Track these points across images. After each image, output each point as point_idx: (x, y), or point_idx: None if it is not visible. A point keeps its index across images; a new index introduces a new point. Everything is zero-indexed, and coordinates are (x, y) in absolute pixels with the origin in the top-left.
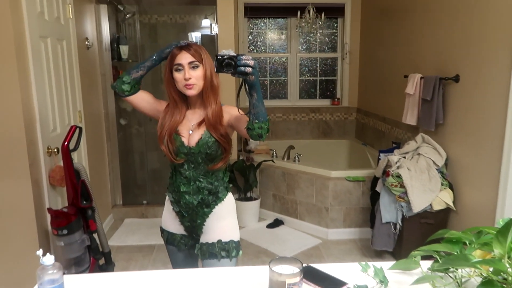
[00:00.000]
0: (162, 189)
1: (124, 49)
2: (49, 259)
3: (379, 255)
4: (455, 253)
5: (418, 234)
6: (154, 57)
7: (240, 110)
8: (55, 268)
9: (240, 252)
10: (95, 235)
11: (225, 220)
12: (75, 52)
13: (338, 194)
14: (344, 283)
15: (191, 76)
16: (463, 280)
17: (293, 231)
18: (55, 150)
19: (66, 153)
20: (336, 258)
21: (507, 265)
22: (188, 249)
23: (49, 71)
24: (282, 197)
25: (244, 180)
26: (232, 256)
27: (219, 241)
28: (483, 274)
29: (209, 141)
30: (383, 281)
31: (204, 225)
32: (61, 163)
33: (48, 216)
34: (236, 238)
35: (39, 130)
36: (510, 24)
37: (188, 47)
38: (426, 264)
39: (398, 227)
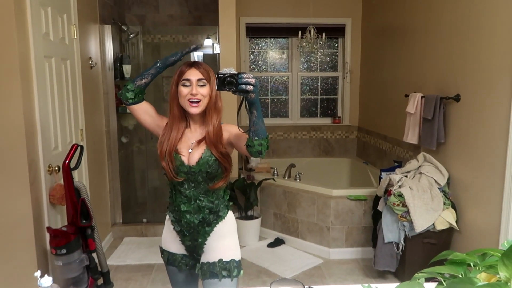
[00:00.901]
0: (162, 207)
1: (127, 68)
2: (46, 281)
3: (382, 275)
4: (460, 275)
5: (421, 254)
6: (158, 64)
7: (240, 128)
8: None
9: (242, 271)
10: (94, 255)
11: (226, 239)
12: (79, 71)
13: (339, 213)
14: None
15: (198, 92)
16: None
17: (294, 251)
18: (56, 168)
19: (67, 171)
20: (338, 278)
21: None
22: (189, 269)
23: (53, 90)
24: (283, 215)
25: (244, 198)
26: (234, 276)
27: (220, 261)
28: None
29: (209, 160)
30: None
31: (205, 244)
32: (62, 182)
33: (47, 235)
34: (237, 257)
35: (40, 148)
36: (510, 44)
37: (198, 64)
38: (430, 286)
39: (400, 247)
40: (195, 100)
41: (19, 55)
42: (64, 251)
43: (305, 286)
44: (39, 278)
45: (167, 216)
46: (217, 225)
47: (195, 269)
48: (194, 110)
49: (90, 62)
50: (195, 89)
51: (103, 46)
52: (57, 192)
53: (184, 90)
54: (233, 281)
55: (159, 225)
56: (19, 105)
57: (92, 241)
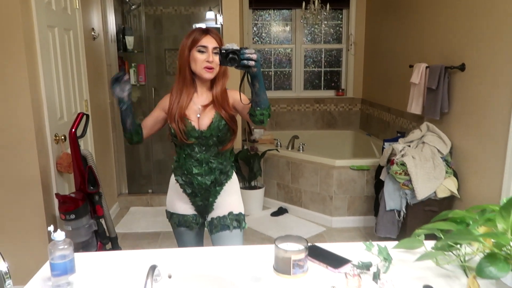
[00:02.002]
0: (167, 179)
1: (129, 40)
2: (60, 235)
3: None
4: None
5: (422, 221)
6: (122, 107)
7: (242, 97)
8: (65, 243)
9: (246, 225)
10: (102, 221)
11: (233, 195)
12: (82, 42)
13: (342, 182)
14: (348, 261)
15: (214, 59)
16: (467, 258)
17: (297, 219)
18: (62, 137)
19: (74, 139)
20: None
21: (510, 238)
22: (198, 227)
23: (57, 60)
24: (286, 186)
25: (248, 169)
26: (242, 227)
27: (231, 213)
28: (486, 250)
29: (220, 124)
30: (387, 258)
31: (215, 202)
32: (69, 151)
33: (56, 202)
34: (243, 211)
35: (46, 118)
36: None
37: (213, 32)
38: (430, 244)
39: (402, 214)
40: (211, 67)
41: (22, 24)
42: (73, 216)
43: (308, 243)
44: (52, 233)
45: (173, 181)
46: (226, 184)
47: (203, 227)
48: (209, 75)
49: (92, 33)
50: (212, 57)
51: (105, 17)
52: (64, 160)
53: (200, 57)
54: (242, 232)
55: (164, 195)
56: (25, 74)
57: (100, 207)
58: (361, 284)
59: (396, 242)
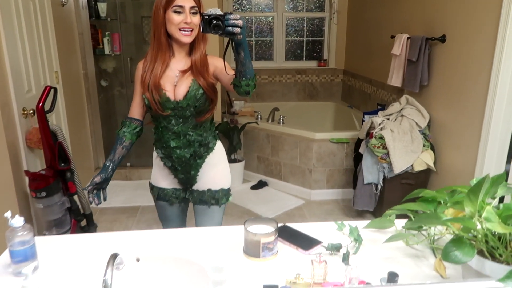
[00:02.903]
0: (146, 151)
1: (102, 7)
2: (18, 221)
3: (360, 214)
4: (428, 212)
5: (398, 194)
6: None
7: (227, 67)
8: (25, 229)
9: (230, 197)
10: (76, 198)
11: (217, 166)
12: (49, 8)
13: (321, 156)
14: (319, 242)
15: (192, 20)
16: (436, 238)
17: (277, 192)
18: (31, 111)
19: (41, 114)
20: (318, 218)
21: (477, 223)
22: (179, 202)
23: (21, 29)
24: (266, 159)
25: (228, 142)
26: (221, 203)
27: (209, 190)
28: (454, 232)
29: (197, 94)
30: (357, 239)
31: (198, 175)
32: (38, 125)
33: (26, 179)
34: (226, 185)
35: (12, 90)
36: None
37: None
38: (401, 223)
39: (379, 187)
40: (189, 29)
41: None
42: (44, 194)
43: (279, 224)
44: (10, 219)
45: (155, 154)
46: (207, 156)
47: (185, 202)
48: (187, 39)
49: None
50: (190, 17)
51: None
52: (34, 135)
53: (176, 18)
54: (221, 207)
55: (144, 169)
56: None
57: (73, 184)
58: (327, 271)
59: (368, 221)
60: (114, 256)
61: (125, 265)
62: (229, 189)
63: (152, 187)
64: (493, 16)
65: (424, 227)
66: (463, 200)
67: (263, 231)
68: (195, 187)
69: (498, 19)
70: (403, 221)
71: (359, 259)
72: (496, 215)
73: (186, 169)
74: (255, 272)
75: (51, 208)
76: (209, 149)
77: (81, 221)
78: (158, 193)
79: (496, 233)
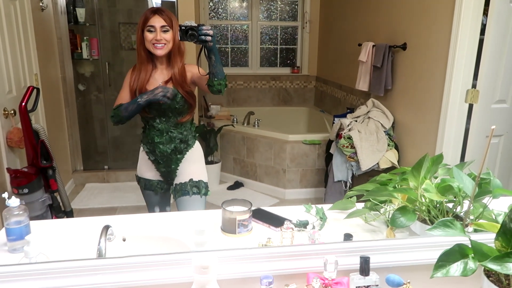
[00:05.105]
0: (123, 155)
1: (81, 12)
2: (14, 201)
3: None
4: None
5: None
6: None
7: (201, 70)
8: (20, 209)
9: (209, 192)
10: (57, 195)
11: (195, 163)
12: (29, 12)
13: (295, 156)
14: (288, 220)
15: (162, 37)
16: (390, 215)
17: (253, 192)
18: (12, 112)
19: (24, 113)
20: None
21: (419, 194)
22: (163, 192)
23: (2, 31)
24: (242, 160)
25: (205, 144)
26: (202, 193)
27: (191, 180)
28: (402, 204)
29: (176, 97)
30: (322, 218)
31: (177, 169)
32: (19, 125)
33: (8, 176)
34: (205, 179)
35: None
36: None
37: (161, 11)
38: (362, 205)
39: (348, 185)
40: (160, 44)
41: None
42: (26, 190)
43: (254, 207)
44: (7, 199)
45: (141, 148)
46: (187, 152)
47: (168, 191)
48: (160, 52)
49: (40, 3)
50: (159, 35)
51: None
52: (15, 135)
53: (149, 36)
54: (202, 198)
55: (121, 172)
56: None
57: (54, 182)
58: (293, 235)
59: (331, 204)
60: (106, 228)
61: (115, 237)
62: (207, 184)
63: (139, 179)
64: (446, 27)
65: (380, 206)
66: (408, 176)
67: (239, 209)
68: (177, 181)
69: (451, 29)
70: (364, 204)
71: (323, 234)
72: (434, 187)
73: (167, 163)
74: (232, 246)
75: (33, 205)
76: (188, 145)
77: (62, 218)
78: (144, 184)
79: (437, 204)
